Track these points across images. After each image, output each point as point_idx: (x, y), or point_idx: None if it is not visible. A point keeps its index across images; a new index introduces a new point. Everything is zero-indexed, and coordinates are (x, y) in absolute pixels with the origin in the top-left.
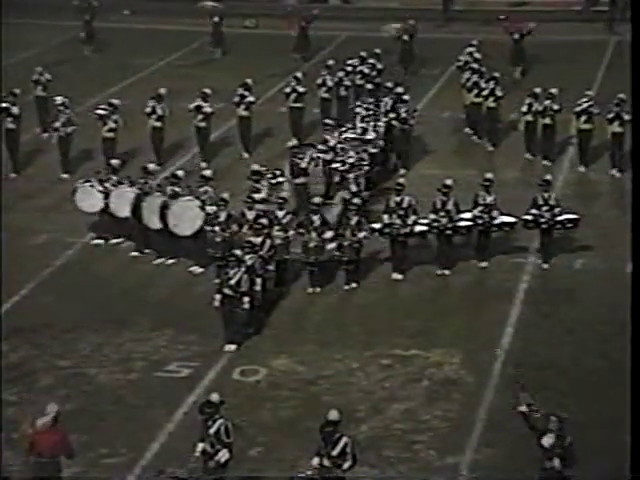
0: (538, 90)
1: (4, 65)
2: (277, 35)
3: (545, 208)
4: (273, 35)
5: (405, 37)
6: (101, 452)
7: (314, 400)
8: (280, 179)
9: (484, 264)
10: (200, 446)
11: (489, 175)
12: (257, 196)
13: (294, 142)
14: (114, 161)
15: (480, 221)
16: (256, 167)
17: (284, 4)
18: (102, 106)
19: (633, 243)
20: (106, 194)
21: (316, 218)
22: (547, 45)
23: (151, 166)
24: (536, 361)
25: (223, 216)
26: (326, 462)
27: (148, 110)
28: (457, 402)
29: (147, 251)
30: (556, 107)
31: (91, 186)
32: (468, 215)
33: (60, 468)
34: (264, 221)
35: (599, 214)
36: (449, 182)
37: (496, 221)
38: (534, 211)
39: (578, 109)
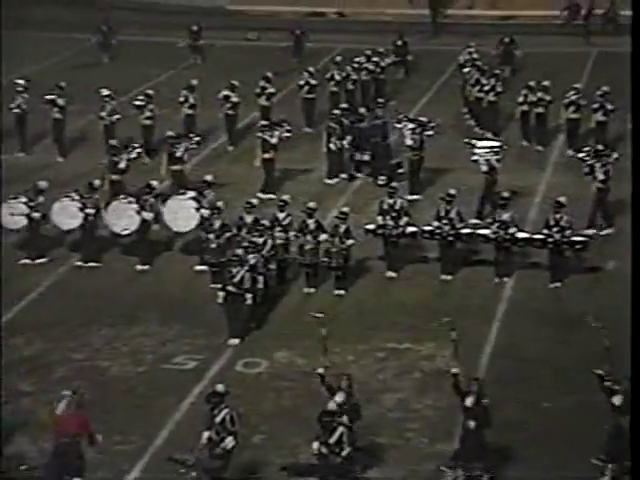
0: (532, 83)
1: (26, 74)
2: (277, 47)
3: (556, 229)
4: (274, 47)
5: (399, 42)
6: (113, 440)
7: (313, 390)
8: (138, 151)
9: (501, 279)
10: (206, 434)
11: (506, 194)
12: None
13: (171, 132)
14: (41, 182)
15: (493, 236)
16: (113, 142)
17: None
18: (139, 97)
19: (633, 243)
20: (29, 212)
21: (311, 221)
22: (532, 56)
23: (97, 182)
24: (521, 355)
25: (217, 224)
26: (324, 450)
27: (181, 99)
28: (447, 392)
29: (93, 264)
30: (548, 98)
31: (14, 202)
32: (485, 231)
33: (81, 451)
34: (266, 222)
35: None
36: (453, 191)
37: (510, 237)
38: (545, 231)
39: (567, 100)
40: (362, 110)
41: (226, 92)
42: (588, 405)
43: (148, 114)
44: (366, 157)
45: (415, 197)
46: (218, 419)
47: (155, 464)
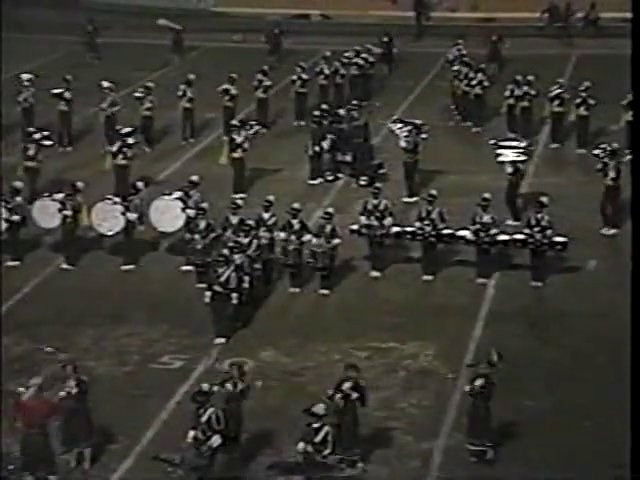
0: (519, 77)
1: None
2: (261, 48)
3: (537, 229)
4: (258, 48)
5: (385, 39)
6: (99, 439)
7: (298, 389)
8: (46, 143)
9: (482, 280)
10: (192, 433)
11: (487, 195)
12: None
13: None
14: (17, 183)
15: (472, 237)
16: (31, 130)
17: (269, 20)
18: (140, 89)
19: (633, 243)
20: (8, 215)
21: (295, 222)
22: (514, 58)
23: (79, 184)
24: (504, 354)
25: (202, 224)
26: (309, 448)
27: (180, 93)
28: (431, 391)
29: (68, 267)
30: (533, 92)
31: None
32: (465, 232)
33: (48, 440)
34: (251, 223)
35: (568, 186)
36: (434, 192)
37: (490, 238)
38: (526, 231)
39: (551, 94)
40: (341, 112)
41: (226, 85)
42: (570, 404)
43: (148, 105)
44: (348, 158)
45: (413, 199)
46: (204, 418)
47: (141, 463)
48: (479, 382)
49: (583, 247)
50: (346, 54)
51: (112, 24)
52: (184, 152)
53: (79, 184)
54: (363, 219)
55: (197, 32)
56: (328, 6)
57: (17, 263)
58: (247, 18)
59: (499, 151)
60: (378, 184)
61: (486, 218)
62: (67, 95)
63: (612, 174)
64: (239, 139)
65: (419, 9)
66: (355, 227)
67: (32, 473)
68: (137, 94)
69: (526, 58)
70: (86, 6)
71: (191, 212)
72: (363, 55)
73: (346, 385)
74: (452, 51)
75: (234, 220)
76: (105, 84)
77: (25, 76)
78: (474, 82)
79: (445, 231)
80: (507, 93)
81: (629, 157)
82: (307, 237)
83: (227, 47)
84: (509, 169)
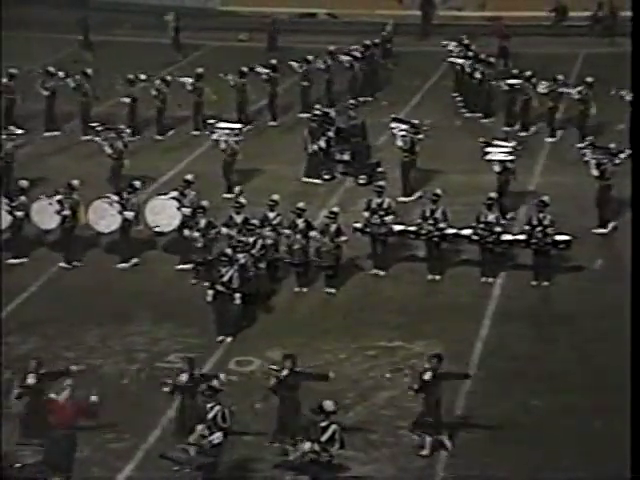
0: (516, 71)
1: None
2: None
3: (539, 228)
4: (264, 47)
5: (384, 33)
6: (106, 437)
7: (304, 388)
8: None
9: (487, 279)
10: (199, 428)
11: (492, 194)
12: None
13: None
14: (22, 182)
15: (476, 237)
16: None
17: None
18: (156, 81)
19: (633, 243)
20: (11, 212)
21: (300, 221)
22: (521, 56)
23: (75, 182)
24: (510, 353)
25: (203, 223)
26: (316, 447)
27: (189, 88)
28: None
29: (66, 266)
30: (531, 87)
31: None
32: (469, 232)
33: (75, 445)
34: (255, 222)
35: (572, 185)
36: (438, 191)
37: (495, 238)
38: (527, 228)
39: (545, 89)
40: (329, 110)
41: (237, 78)
42: (576, 403)
43: (162, 97)
44: (346, 157)
45: (407, 199)
46: (210, 415)
47: (148, 462)
48: (427, 375)
49: (588, 246)
50: (359, 50)
51: (120, 22)
52: (190, 148)
53: (75, 182)
54: (366, 214)
55: (204, 31)
56: (334, 5)
57: (22, 261)
58: (254, 17)
59: (487, 149)
60: (381, 182)
61: (491, 217)
62: (86, 87)
63: (595, 172)
64: (222, 144)
65: (426, 8)
66: (358, 225)
67: (53, 471)
68: (154, 84)
69: (533, 56)
70: (95, 5)
71: (187, 211)
72: (372, 50)
73: (283, 374)
74: (456, 45)
75: (238, 219)
76: (130, 76)
77: (51, 68)
78: (478, 75)
79: (449, 230)
80: (506, 87)
81: (628, 153)
82: (313, 233)
83: (233, 46)
84: (497, 168)
